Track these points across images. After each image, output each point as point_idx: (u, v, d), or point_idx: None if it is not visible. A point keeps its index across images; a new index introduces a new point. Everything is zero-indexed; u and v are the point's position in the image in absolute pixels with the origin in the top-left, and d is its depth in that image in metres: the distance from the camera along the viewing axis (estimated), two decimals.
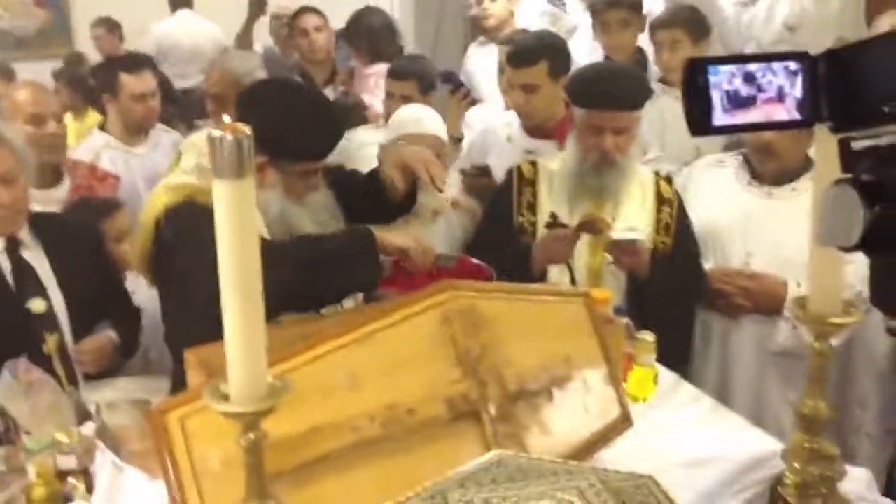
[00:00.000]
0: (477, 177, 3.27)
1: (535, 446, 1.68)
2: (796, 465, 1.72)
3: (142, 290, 2.88)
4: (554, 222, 2.71)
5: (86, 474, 1.78)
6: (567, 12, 4.74)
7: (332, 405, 1.57)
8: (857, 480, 1.83)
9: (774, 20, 4.02)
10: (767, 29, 4.03)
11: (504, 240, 2.78)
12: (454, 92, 3.47)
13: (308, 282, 2.06)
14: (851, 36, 3.44)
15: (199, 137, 2.35)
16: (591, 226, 2.61)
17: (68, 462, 1.76)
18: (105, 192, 3.34)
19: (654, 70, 3.79)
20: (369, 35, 4.72)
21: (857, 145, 0.98)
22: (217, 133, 1.17)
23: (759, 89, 0.99)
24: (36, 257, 2.52)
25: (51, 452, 1.75)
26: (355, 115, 4.05)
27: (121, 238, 2.92)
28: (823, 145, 1.54)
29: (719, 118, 0.99)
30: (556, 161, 2.84)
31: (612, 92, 2.63)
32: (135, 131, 3.74)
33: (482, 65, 4.49)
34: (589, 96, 2.67)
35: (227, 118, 1.21)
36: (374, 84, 4.52)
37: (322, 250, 2.12)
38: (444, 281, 1.80)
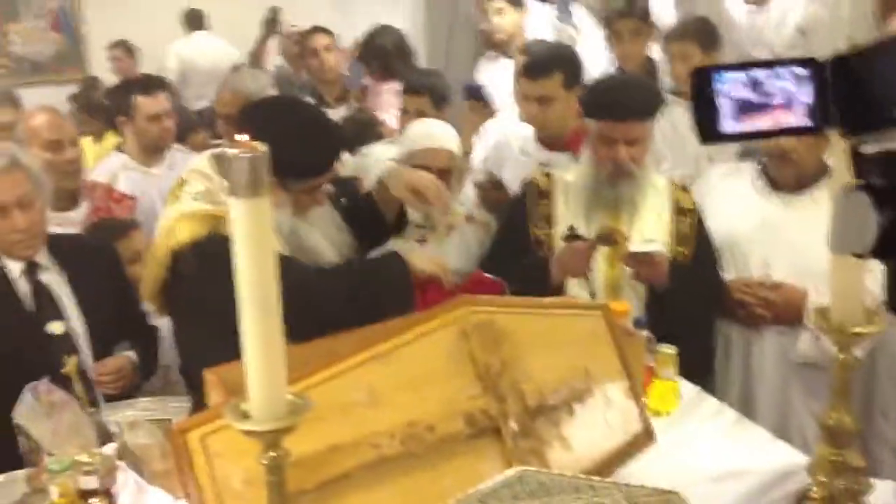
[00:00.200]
0: (491, 190, 3.27)
1: (556, 461, 1.67)
2: (822, 478, 1.70)
3: None
4: (571, 235, 2.70)
5: (108, 495, 1.78)
6: (576, 25, 4.73)
7: (352, 423, 1.56)
8: (884, 493, 1.81)
9: (786, 24, 4.02)
10: (779, 33, 4.02)
11: (520, 253, 2.77)
12: (477, 107, 3.46)
13: (347, 310, 2.08)
14: (863, 38, 3.43)
15: (201, 162, 2.34)
16: (609, 238, 2.60)
17: (90, 483, 1.76)
18: (122, 213, 3.36)
19: (664, 80, 3.78)
20: (382, 53, 4.75)
21: (868, 150, 0.97)
22: (231, 152, 1.17)
23: (767, 96, 0.98)
24: (54, 280, 2.53)
25: (73, 473, 1.75)
26: (370, 130, 4.06)
27: (136, 259, 2.92)
28: (841, 151, 1.53)
29: (727, 125, 0.98)
30: (571, 173, 2.83)
31: (624, 102, 2.63)
32: (151, 152, 3.76)
33: (493, 78, 4.49)
34: (601, 107, 2.67)
35: (242, 136, 1.21)
36: (387, 101, 4.55)
37: (361, 279, 2.14)
38: (461, 296, 1.79)
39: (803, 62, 0.98)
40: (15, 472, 1.96)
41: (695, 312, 2.66)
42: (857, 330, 1.61)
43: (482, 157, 3.58)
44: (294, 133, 2.23)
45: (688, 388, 2.32)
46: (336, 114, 4.21)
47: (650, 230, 2.70)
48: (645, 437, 1.85)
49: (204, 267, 2.10)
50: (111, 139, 4.98)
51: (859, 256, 0.93)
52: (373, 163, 3.54)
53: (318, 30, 4.78)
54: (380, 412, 1.59)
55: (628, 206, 2.70)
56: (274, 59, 6.33)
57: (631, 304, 2.48)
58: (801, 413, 2.70)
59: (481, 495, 1.23)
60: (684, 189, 2.84)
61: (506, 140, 3.49)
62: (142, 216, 3.47)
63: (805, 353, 2.65)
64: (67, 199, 3.20)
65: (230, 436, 1.31)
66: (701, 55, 3.53)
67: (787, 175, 2.74)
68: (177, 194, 2.29)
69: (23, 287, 2.48)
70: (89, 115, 5.76)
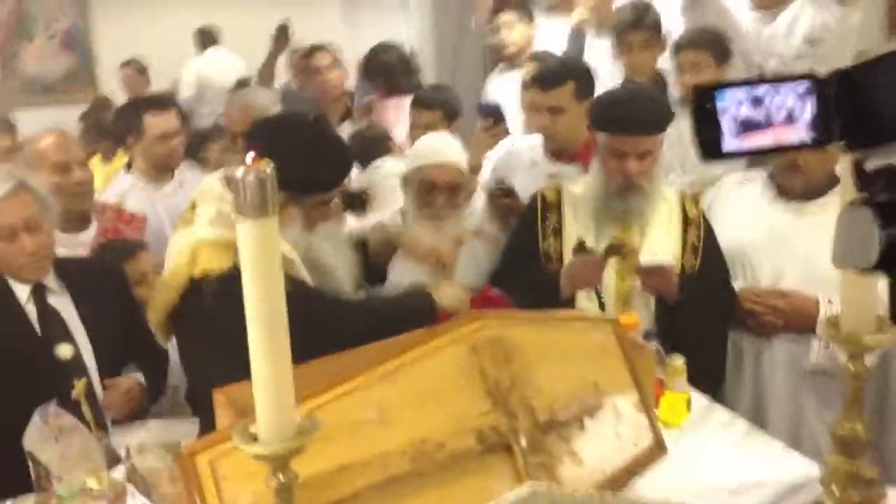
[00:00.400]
0: (502, 196, 3.27)
1: (567, 477, 1.66)
2: (835, 489, 1.68)
3: None
4: (581, 248, 2.69)
5: None
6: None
7: (362, 442, 1.56)
8: None
9: (795, 35, 4.01)
10: (789, 44, 4.01)
11: (529, 266, 2.77)
12: (490, 127, 3.45)
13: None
14: (873, 50, 3.43)
15: (211, 184, 2.32)
16: (619, 250, 2.60)
17: None
18: (132, 233, 3.36)
19: (672, 92, 3.77)
20: (386, 69, 4.77)
21: (871, 165, 0.97)
22: (239, 172, 1.17)
23: (769, 112, 0.98)
24: (62, 303, 2.53)
25: (83, 498, 1.75)
26: (380, 146, 4.08)
27: (142, 280, 2.92)
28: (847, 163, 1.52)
29: (729, 143, 0.98)
30: (579, 185, 2.83)
31: (634, 116, 2.62)
32: (160, 171, 3.76)
33: (504, 92, 4.50)
34: (611, 121, 2.66)
35: (249, 156, 1.21)
36: (393, 117, 4.56)
37: (386, 316, 2.16)
38: (470, 311, 1.79)
39: (804, 78, 0.98)
40: (25, 496, 1.96)
41: (705, 323, 2.65)
42: (869, 340, 1.59)
43: (491, 168, 3.58)
44: (305, 148, 2.25)
45: (699, 400, 2.31)
46: (341, 132, 4.22)
47: (660, 242, 2.69)
48: (656, 450, 1.84)
49: (228, 299, 2.08)
50: (121, 159, 5.01)
51: (863, 271, 0.92)
52: (380, 178, 3.57)
53: (318, 48, 4.79)
54: (389, 430, 1.58)
55: (638, 219, 2.69)
56: (282, 74, 6.36)
57: (641, 316, 2.47)
58: (813, 421, 2.68)
59: None
60: (693, 200, 2.83)
61: (515, 151, 3.49)
62: (150, 236, 3.48)
63: (816, 361, 2.63)
64: (77, 221, 3.20)
65: (239, 458, 1.31)
66: (713, 66, 3.52)
67: (796, 184, 2.73)
68: (188, 218, 2.27)
69: (30, 310, 2.48)
70: (99, 135, 5.80)
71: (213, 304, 2.09)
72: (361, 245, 2.78)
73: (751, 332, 2.73)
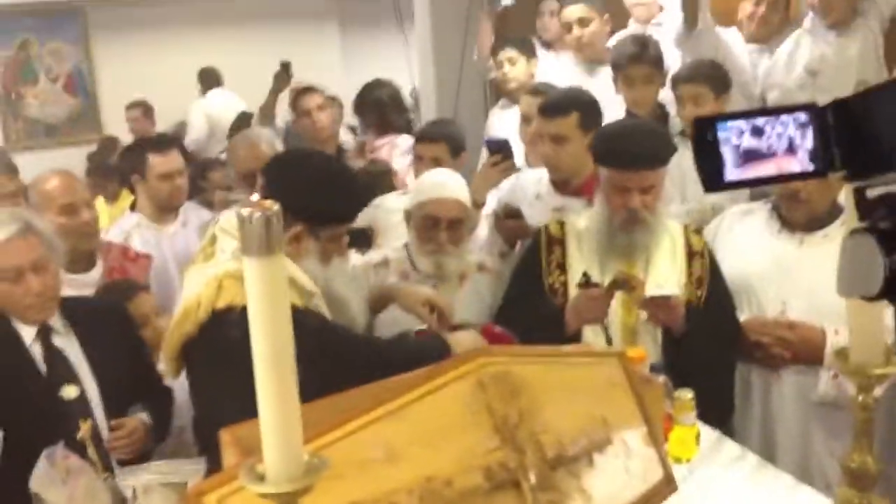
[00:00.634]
0: (509, 219, 3.27)
1: None
2: None
3: None
4: (586, 282, 2.69)
5: None
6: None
7: (370, 480, 1.54)
8: None
9: (796, 66, 4.04)
10: (789, 75, 4.05)
11: (534, 301, 2.76)
12: (498, 163, 3.46)
13: None
14: (872, 80, 3.45)
15: (231, 219, 2.32)
16: (625, 284, 2.59)
17: None
18: (138, 272, 3.37)
19: (674, 123, 3.78)
20: (378, 106, 4.80)
21: (873, 193, 0.97)
22: (245, 211, 1.17)
23: (770, 142, 0.99)
24: (68, 343, 2.53)
25: None
26: (384, 181, 4.09)
27: (144, 322, 2.92)
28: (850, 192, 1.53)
29: (731, 173, 0.99)
30: (583, 219, 2.83)
31: (637, 151, 2.62)
32: (164, 210, 3.78)
33: (505, 127, 4.52)
34: (613, 156, 2.67)
35: (255, 196, 1.22)
36: (386, 154, 4.59)
37: (403, 363, 2.15)
38: (476, 348, 1.78)
39: (804, 108, 0.99)
40: None
41: (713, 355, 2.64)
42: (878, 371, 1.59)
43: (496, 199, 3.58)
44: (323, 180, 2.27)
45: (708, 433, 2.29)
46: None
47: (665, 274, 2.69)
48: (666, 485, 1.82)
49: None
50: (125, 199, 5.04)
51: (867, 299, 0.92)
52: (383, 214, 3.57)
53: (308, 90, 4.81)
54: (397, 468, 1.57)
55: (642, 252, 2.69)
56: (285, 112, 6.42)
57: (647, 349, 2.47)
58: (822, 454, 2.66)
59: None
60: (696, 232, 2.84)
61: (520, 184, 3.50)
62: (154, 275, 3.49)
63: (825, 393, 2.62)
64: (83, 262, 3.21)
65: (246, 498, 1.30)
66: (712, 98, 3.54)
67: (799, 215, 2.74)
68: (209, 252, 2.27)
69: (36, 351, 2.48)
70: (104, 175, 5.84)
71: (236, 336, 2.08)
72: None
73: (759, 363, 2.72)
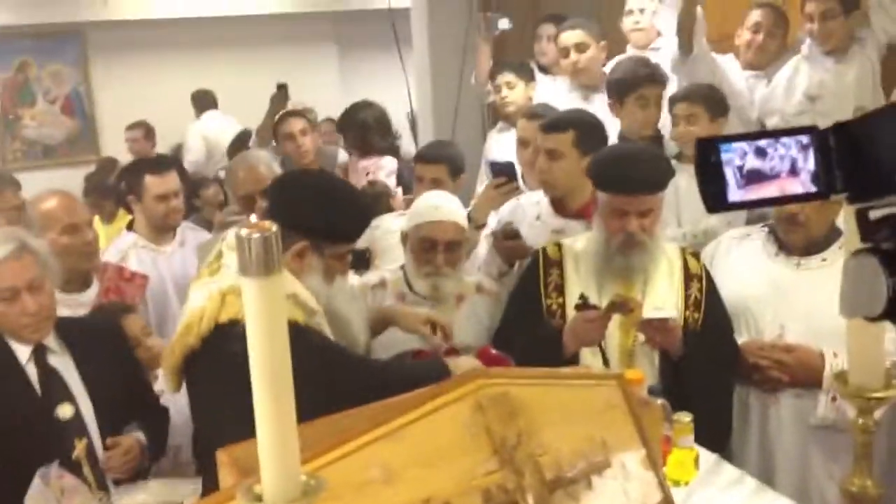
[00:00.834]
0: (508, 239, 3.27)
1: None
2: None
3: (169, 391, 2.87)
4: (584, 304, 2.69)
5: None
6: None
7: (367, 501, 1.53)
8: None
9: (795, 92, 4.07)
10: (789, 101, 4.08)
11: (532, 323, 2.76)
12: (502, 185, 3.46)
13: None
14: (870, 105, 3.48)
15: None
16: (622, 306, 2.59)
17: None
18: (133, 291, 3.36)
19: (668, 146, 3.79)
20: (363, 129, 4.82)
21: (875, 214, 0.97)
22: (244, 232, 1.17)
23: (772, 164, 0.99)
24: (63, 363, 2.52)
25: None
26: (381, 203, 4.10)
27: (135, 343, 2.89)
28: (853, 214, 1.53)
29: (734, 194, 0.99)
30: (581, 241, 2.83)
31: (635, 176, 2.63)
32: (161, 231, 3.78)
33: (503, 150, 4.53)
34: (611, 181, 2.67)
35: (253, 217, 1.22)
36: (370, 177, 4.59)
37: (406, 378, 2.15)
38: (474, 369, 1.78)
39: (806, 131, 0.99)
40: None
41: (710, 378, 2.64)
42: (878, 394, 1.58)
43: (496, 220, 3.59)
44: (329, 198, 2.29)
45: (706, 456, 2.29)
46: None
47: (662, 297, 2.69)
48: None
49: None
50: (122, 219, 5.04)
51: (871, 320, 0.92)
52: (380, 235, 3.58)
53: (292, 114, 4.83)
54: (395, 490, 1.56)
55: (640, 275, 2.69)
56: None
57: (644, 372, 2.46)
58: (820, 476, 2.65)
59: None
60: (694, 255, 2.84)
61: (520, 206, 3.50)
62: (151, 295, 3.48)
63: (824, 416, 2.61)
64: (79, 282, 3.21)
65: None
66: (707, 119, 3.55)
67: (796, 238, 2.74)
68: (214, 267, 2.27)
69: (31, 370, 2.47)
70: (101, 195, 5.84)
71: (238, 350, 2.07)
72: None
73: (757, 386, 2.72)
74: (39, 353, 2.50)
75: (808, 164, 1.00)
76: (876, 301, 0.90)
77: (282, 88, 5.29)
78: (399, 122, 6.87)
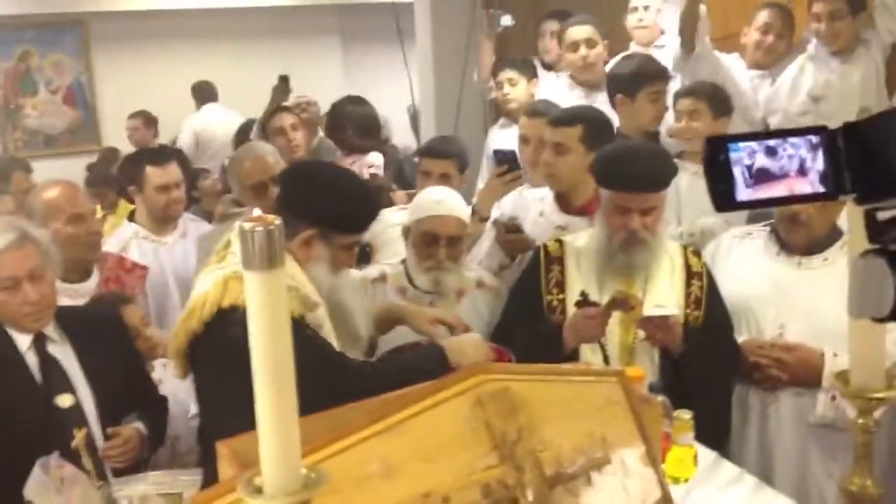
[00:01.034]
0: (510, 231, 3.27)
1: None
2: None
3: (168, 380, 2.87)
4: (584, 301, 2.69)
5: None
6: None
7: (367, 495, 1.53)
8: None
9: (799, 92, 4.07)
10: (793, 101, 4.07)
11: (532, 319, 2.76)
12: (504, 173, 3.47)
13: None
14: (875, 106, 3.48)
15: None
16: (623, 303, 2.59)
17: None
18: (134, 282, 3.36)
19: (667, 144, 3.78)
20: (350, 124, 4.82)
21: (883, 216, 0.97)
22: (247, 225, 1.17)
23: (781, 164, 0.99)
24: (63, 352, 2.52)
25: None
26: (382, 196, 4.10)
27: (134, 334, 2.89)
28: (856, 215, 1.53)
29: (743, 193, 0.99)
30: (582, 238, 2.83)
31: (638, 174, 2.63)
32: (161, 221, 3.78)
33: (504, 146, 4.53)
34: (614, 178, 2.67)
35: (257, 210, 1.21)
36: (356, 171, 4.59)
37: (401, 376, 2.15)
38: (474, 364, 1.78)
39: (815, 131, 0.99)
40: None
41: (710, 376, 2.64)
42: (879, 395, 1.58)
43: (500, 213, 3.59)
44: (340, 188, 2.30)
45: (706, 454, 2.29)
46: None
47: (663, 294, 2.69)
48: None
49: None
50: (124, 209, 5.03)
51: (878, 320, 0.92)
52: (381, 229, 3.58)
53: (281, 109, 4.83)
54: (394, 484, 1.56)
55: (641, 272, 2.69)
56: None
57: (645, 369, 2.46)
58: (819, 475, 2.65)
59: None
60: (696, 253, 2.84)
61: (523, 202, 3.50)
62: (151, 286, 3.48)
63: (823, 415, 2.62)
64: (79, 272, 3.20)
65: None
66: (710, 117, 3.55)
67: (798, 238, 2.74)
68: (222, 255, 2.28)
69: (31, 360, 2.47)
70: (103, 185, 5.83)
71: (238, 335, 2.08)
72: None
73: (756, 385, 2.72)
74: (39, 342, 2.49)
75: (817, 164, 1.00)
76: (884, 302, 0.90)
77: (284, 80, 5.27)
78: (400, 117, 6.88)
